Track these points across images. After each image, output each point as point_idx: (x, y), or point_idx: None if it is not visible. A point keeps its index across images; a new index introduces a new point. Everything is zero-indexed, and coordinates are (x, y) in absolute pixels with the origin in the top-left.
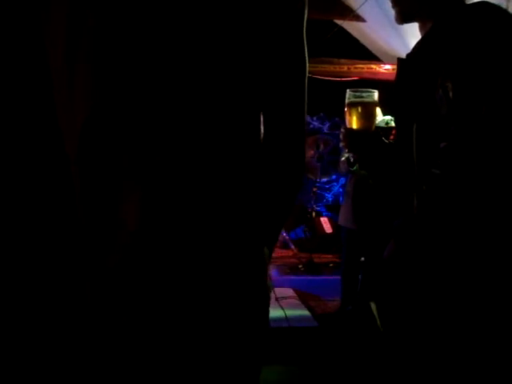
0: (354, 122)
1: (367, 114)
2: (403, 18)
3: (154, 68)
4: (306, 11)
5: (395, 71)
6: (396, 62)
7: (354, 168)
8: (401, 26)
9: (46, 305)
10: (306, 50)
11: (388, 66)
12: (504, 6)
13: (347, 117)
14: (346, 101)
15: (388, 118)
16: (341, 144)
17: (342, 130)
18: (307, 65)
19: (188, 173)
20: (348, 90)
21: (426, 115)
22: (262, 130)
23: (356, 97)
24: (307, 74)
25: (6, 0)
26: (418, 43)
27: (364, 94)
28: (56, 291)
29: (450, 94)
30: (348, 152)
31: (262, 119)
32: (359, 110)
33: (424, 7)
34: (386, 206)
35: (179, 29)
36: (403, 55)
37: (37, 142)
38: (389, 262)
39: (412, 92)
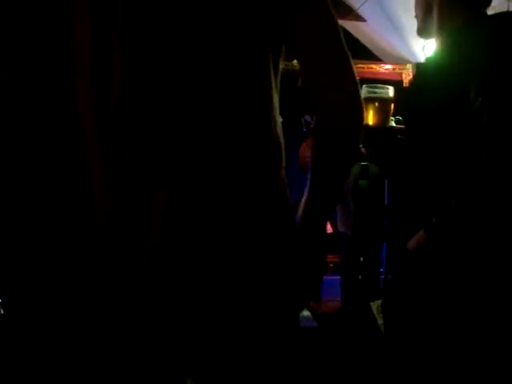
0: (369, 118)
1: (384, 110)
2: (427, 33)
3: (187, 56)
4: None
5: (395, 71)
6: (396, 61)
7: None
8: (401, 26)
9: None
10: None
11: (388, 66)
12: (505, 6)
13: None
14: (362, 96)
15: None
16: None
17: None
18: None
19: (212, 170)
20: (364, 86)
21: (460, 122)
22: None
23: (373, 92)
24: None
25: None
26: (440, 50)
27: (381, 90)
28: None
29: (487, 101)
30: (362, 147)
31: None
32: (376, 105)
33: (448, 21)
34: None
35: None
36: (404, 55)
37: (51, 140)
38: (425, 257)
39: (436, 97)
